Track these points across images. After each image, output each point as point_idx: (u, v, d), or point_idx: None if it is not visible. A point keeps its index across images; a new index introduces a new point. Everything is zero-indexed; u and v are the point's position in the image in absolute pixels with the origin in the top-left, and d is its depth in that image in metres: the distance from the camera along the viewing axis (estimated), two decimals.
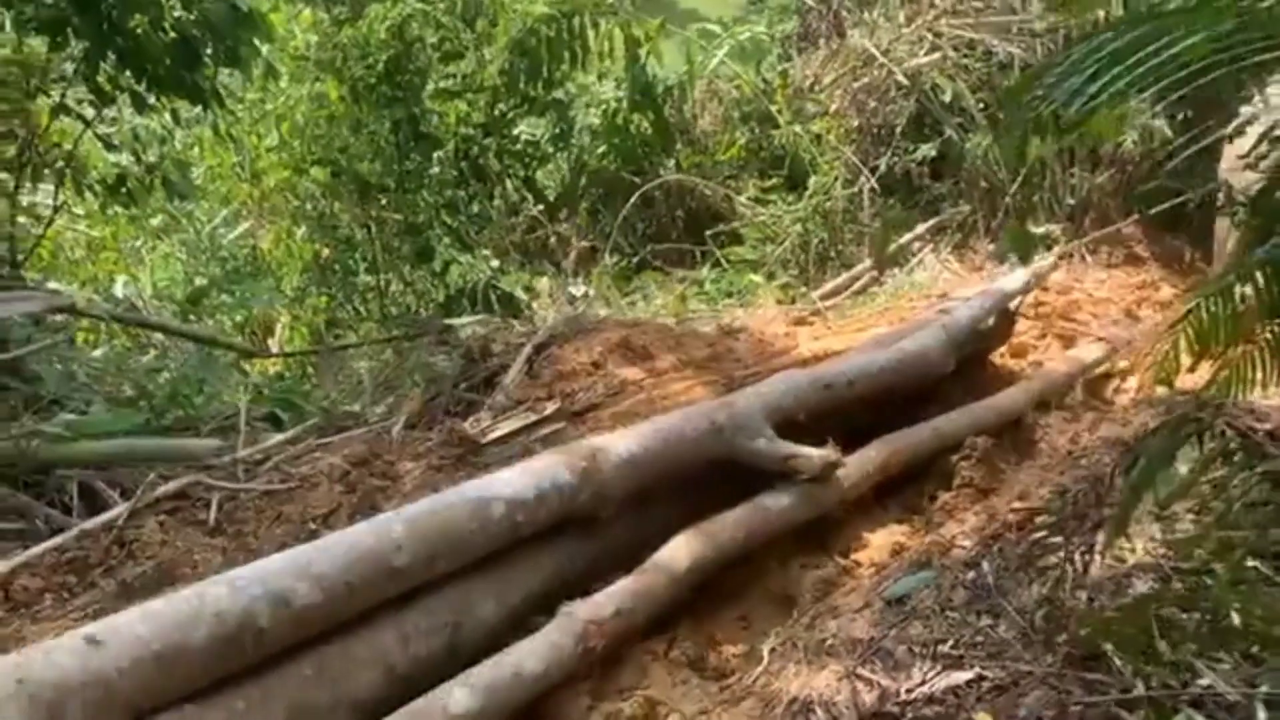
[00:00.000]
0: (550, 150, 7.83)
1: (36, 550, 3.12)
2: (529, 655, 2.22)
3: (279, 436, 3.99)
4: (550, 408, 4.05)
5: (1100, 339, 4.91)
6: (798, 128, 7.06)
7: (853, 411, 3.59)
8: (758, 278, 6.51)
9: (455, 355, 4.99)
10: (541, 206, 7.48)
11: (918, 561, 2.87)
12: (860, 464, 3.36)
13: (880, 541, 3.30)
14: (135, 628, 1.64)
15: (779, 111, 7.20)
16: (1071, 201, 6.21)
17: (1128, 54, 1.42)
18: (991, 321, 4.35)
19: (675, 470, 2.98)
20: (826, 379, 3.54)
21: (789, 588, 3.10)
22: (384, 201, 7.39)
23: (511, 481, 2.52)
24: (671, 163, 7.41)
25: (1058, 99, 1.48)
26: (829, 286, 6.24)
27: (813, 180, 6.84)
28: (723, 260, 6.76)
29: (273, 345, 6.71)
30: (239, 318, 6.96)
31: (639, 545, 2.80)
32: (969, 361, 4.22)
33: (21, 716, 1.41)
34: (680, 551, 2.78)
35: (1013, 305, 4.55)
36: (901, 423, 3.68)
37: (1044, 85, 1.62)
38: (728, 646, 2.85)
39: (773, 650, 2.67)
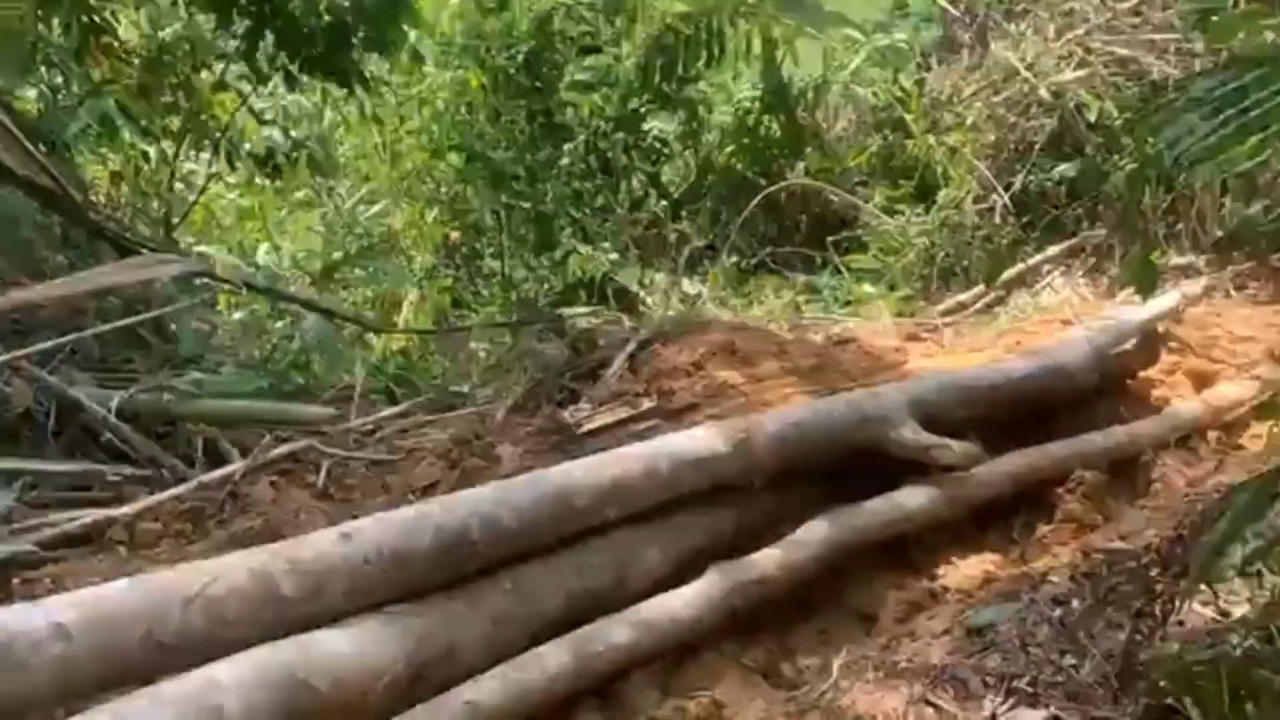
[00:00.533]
0: (678, 148, 7.88)
1: (160, 497, 3.37)
2: (683, 603, 2.42)
3: (390, 410, 4.17)
4: (646, 404, 4.10)
5: (1236, 379, 4.62)
6: (932, 138, 6.89)
7: (992, 418, 3.55)
8: (877, 288, 6.40)
9: (563, 345, 5.10)
10: (664, 203, 7.54)
11: (1006, 593, 2.80)
12: (996, 470, 3.34)
13: (970, 568, 3.22)
14: (375, 530, 1.94)
15: (914, 121, 7.04)
16: (1219, 232, 5.85)
17: (1238, 97, 1.34)
18: (1136, 342, 4.17)
19: (820, 453, 3.10)
20: (969, 381, 3.54)
21: (871, 606, 3.07)
22: (514, 189, 7.59)
23: (676, 445, 2.76)
24: (800, 166, 7.35)
25: (1166, 140, 1.41)
26: (950, 303, 6.07)
27: (942, 193, 6.67)
28: (843, 268, 6.67)
29: (398, 322, 6.99)
30: (369, 292, 7.28)
31: (778, 521, 2.93)
32: (1110, 382, 4.08)
33: (295, 590, 1.74)
34: (820, 532, 2.89)
35: (1160, 327, 4.35)
36: (1039, 437, 3.59)
37: (1159, 122, 1.55)
38: (802, 658, 2.84)
39: (845, 666, 2.64)
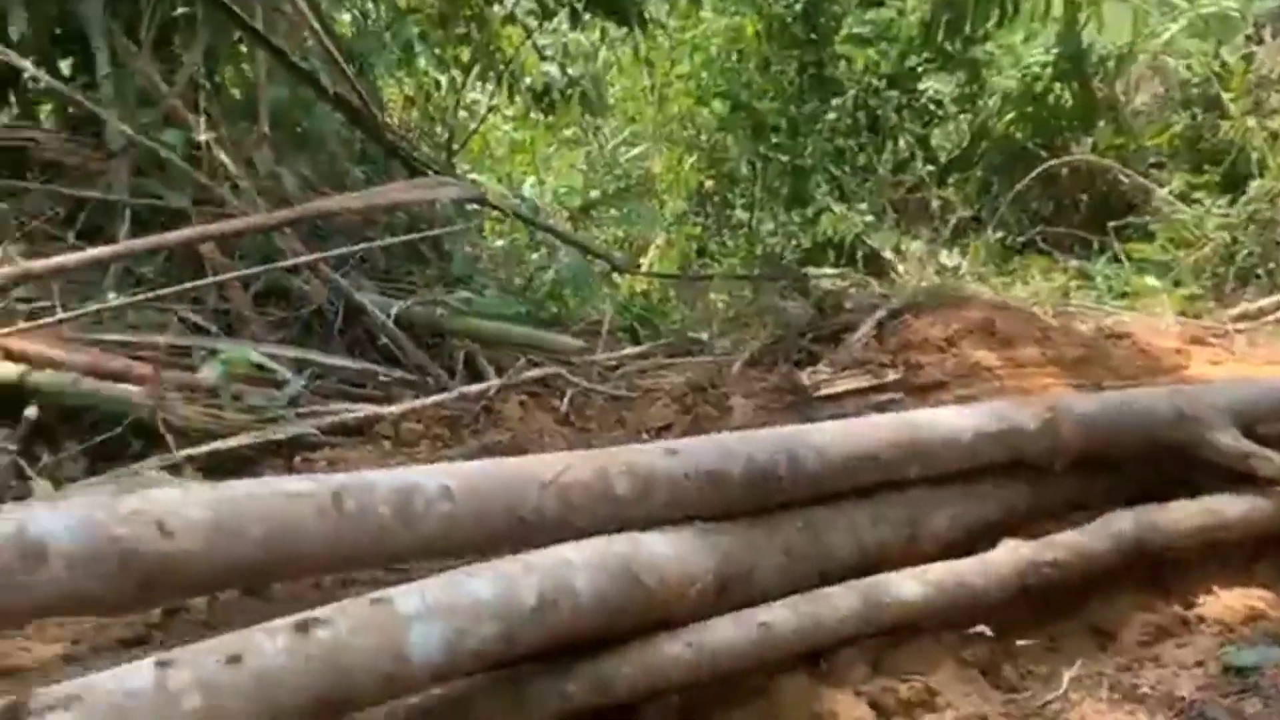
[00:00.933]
0: (953, 110, 7.49)
1: (424, 401, 3.64)
2: (975, 571, 2.38)
3: (633, 349, 4.29)
4: (891, 376, 3.98)
5: None
6: (1252, 121, 6.15)
7: None
8: (1161, 283, 5.84)
9: (807, 304, 5.03)
10: (931, 168, 7.21)
11: (1276, 634, 2.53)
12: None
13: (1234, 600, 2.91)
14: (696, 451, 2.09)
15: (1233, 100, 6.30)
16: None
17: None
18: None
19: (1128, 445, 2.92)
20: None
21: (1111, 623, 2.85)
22: (774, 141, 7.50)
23: (979, 414, 2.70)
24: (1087, 141, 6.79)
25: None
26: (1247, 308, 5.45)
27: (1255, 184, 5.95)
28: (1123, 256, 6.13)
29: (643, 264, 7.15)
30: (620, 233, 7.47)
31: (1074, 507, 2.81)
32: None
33: (628, 491, 1.91)
34: (1123, 525, 2.74)
35: None
36: None
37: None
38: (1027, 663, 2.70)
39: (1076, 680, 2.49)
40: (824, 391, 3.99)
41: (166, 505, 1.48)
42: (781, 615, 2.01)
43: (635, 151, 7.96)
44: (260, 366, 3.51)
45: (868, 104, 7.39)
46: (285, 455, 3.32)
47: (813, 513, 2.27)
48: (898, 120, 7.41)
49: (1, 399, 3.30)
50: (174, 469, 3.11)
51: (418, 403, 3.64)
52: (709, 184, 7.62)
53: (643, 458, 2.00)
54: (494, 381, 3.83)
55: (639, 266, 6.81)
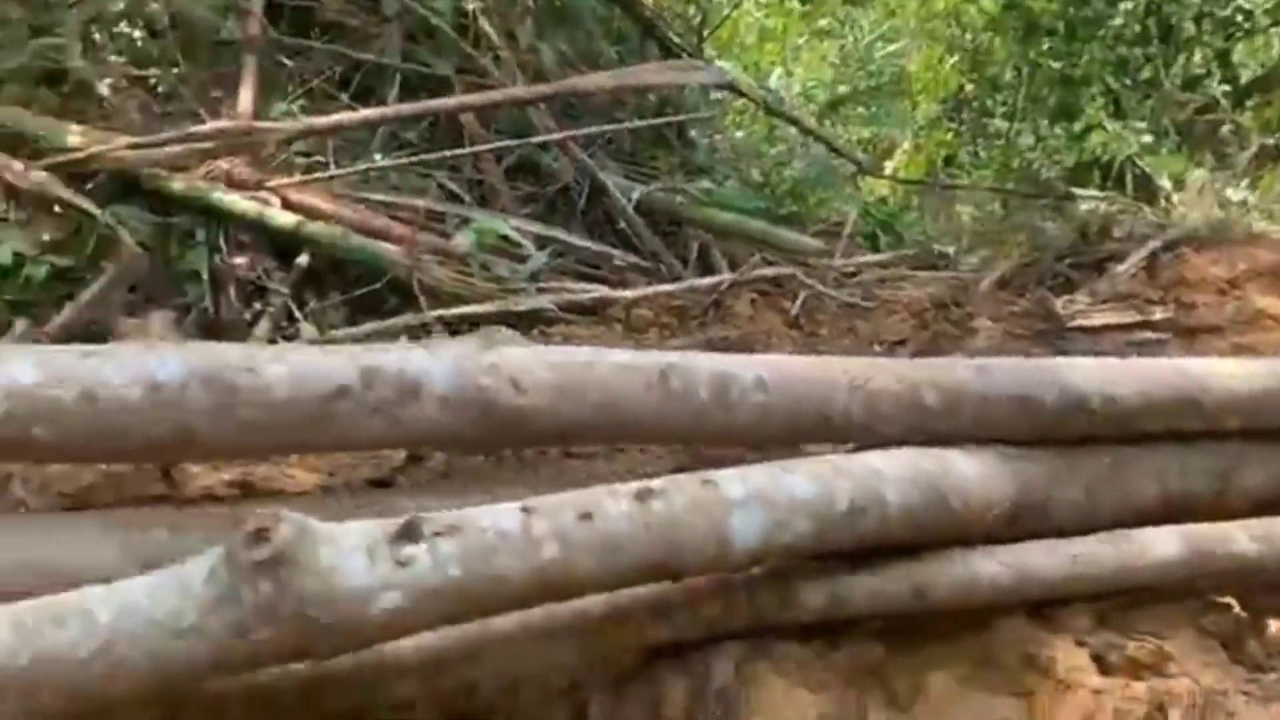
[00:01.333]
0: (1263, 23, 6.56)
1: (657, 289, 3.66)
2: (1256, 536, 2.21)
3: (872, 256, 4.11)
4: (1159, 314, 3.62)
5: None
6: None
7: None
8: None
9: (1068, 227, 4.64)
10: (1227, 87, 6.39)
11: None
12: None
13: None
14: (1006, 373, 2.04)
15: None
16: None
17: None
18: None
19: None
20: None
21: None
22: (1046, 46, 6.86)
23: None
24: None
25: None
26: None
27: None
28: None
29: (888, 168, 6.82)
30: (866, 133, 7.13)
31: None
32: None
33: (936, 404, 1.87)
34: None
35: None
36: None
37: None
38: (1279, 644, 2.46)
39: None
40: (1079, 323, 3.69)
41: (519, 364, 1.61)
42: (1096, 550, 1.93)
43: (892, 48, 7.50)
44: (506, 238, 3.63)
45: (1161, 9, 6.59)
46: (523, 327, 3.44)
47: (1122, 453, 2.14)
48: (1195, 31, 6.58)
49: (278, 245, 3.59)
50: (424, 328, 3.30)
51: (650, 290, 3.66)
52: (968, 88, 7.10)
53: (950, 374, 1.96)
54: (726, 276, 3.79)
55: (882, 170, 6.49)
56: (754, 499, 1.59)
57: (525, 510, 1.40)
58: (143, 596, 1.24)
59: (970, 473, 1.88)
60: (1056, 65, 6.77)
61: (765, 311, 3.84)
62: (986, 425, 1.96)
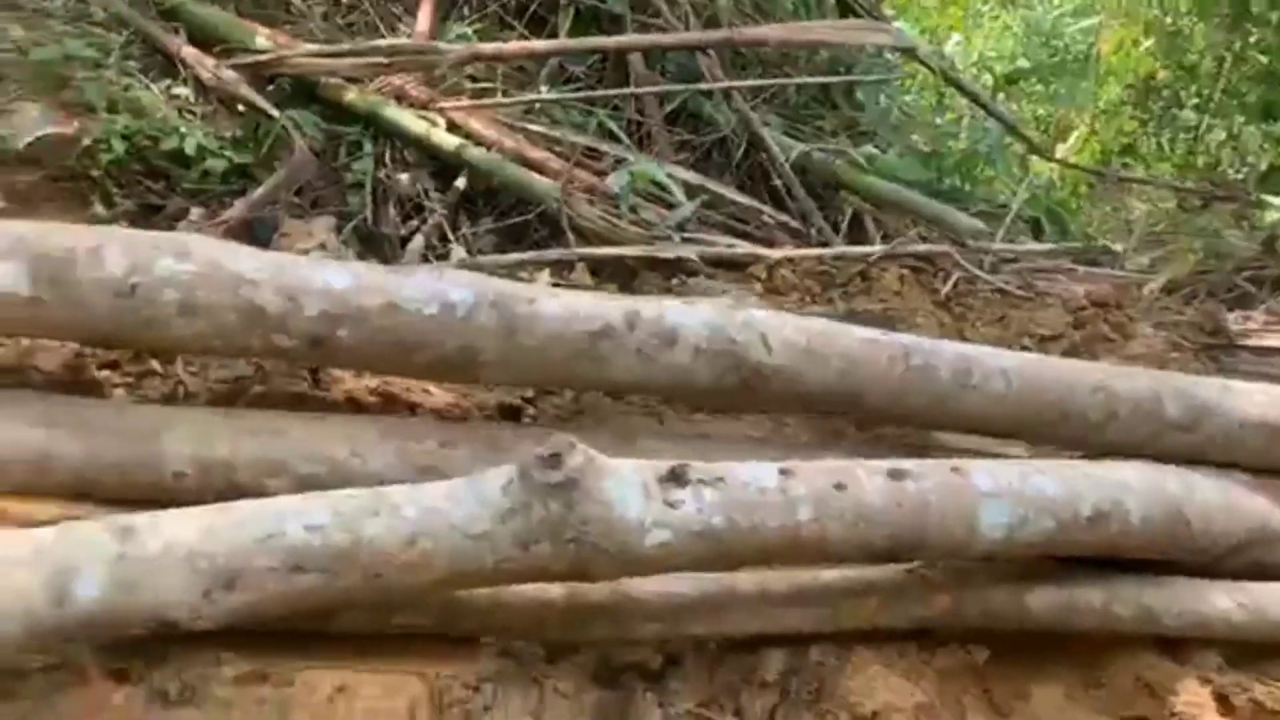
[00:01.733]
0: None
1: (804, 252, 3.58)
2: None
3: (1034, 244, 3.92)
4: None
5: None
6: None
7: None
8: None
9: (1253, 237, 4.32)
10: None
11: None
12: None
13: None
14: (1245, 395, 2.01)
15: None
16: None
17: None
18: None
19: None
20: None
21: None
22: (1255, 38, 6.32)
23: None
24: None
25: None
26: None
27: None
28: None
29: (1060, 151, 6.45)
30: (1041, 111, 6.75)
31: None
32: None
33: (1180, 415, 1.89)
34: None
35: None
36: None
37: None
38: None
39: None
40: (1250, 342, 3.45)
41: (768, 325, 1.70)
42: None
43: (1084, 24, 7.04)
44: (659, 184, 3.60)
45: None
46: (664, 275, 3.43)
47: None
48: None
49: (439, 165, 3.66)
50: (567, 264, 3.33)
51: (797, 252, 3.58)
52: (1161, 74, 6.62)
53: (1201, 388, 1.95)
54: (878, 247, 3.68)
55: (1054, 152, 6.14)
56: (1003, 492, 1.63)
57: (783, 472, 1.47)
58: (443, 500, 1.34)
59: (1214, 499, 1.86)
60: (1264, 59, 6.24)
61: (914, 289, 3.70)
62: (1229, 447, 1.93)
